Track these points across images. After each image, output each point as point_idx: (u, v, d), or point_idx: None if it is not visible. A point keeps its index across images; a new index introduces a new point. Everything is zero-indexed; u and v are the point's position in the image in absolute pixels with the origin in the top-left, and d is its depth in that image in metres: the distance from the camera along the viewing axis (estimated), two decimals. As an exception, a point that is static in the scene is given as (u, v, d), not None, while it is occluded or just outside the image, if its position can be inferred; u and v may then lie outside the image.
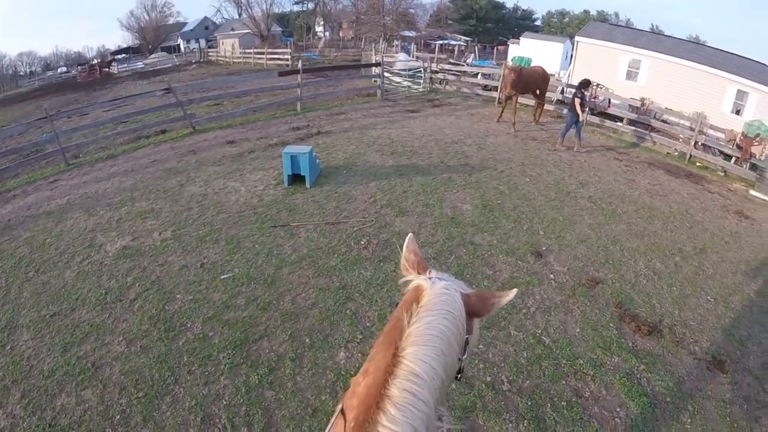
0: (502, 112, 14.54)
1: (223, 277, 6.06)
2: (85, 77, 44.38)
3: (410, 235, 1.98)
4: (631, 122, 15.02)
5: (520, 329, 5.31)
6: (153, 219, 7.79)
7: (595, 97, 15.63)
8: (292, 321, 5.26)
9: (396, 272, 5.98)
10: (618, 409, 4.44)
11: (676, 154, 13.58)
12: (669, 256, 7.35)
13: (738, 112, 17.55)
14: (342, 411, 1.51)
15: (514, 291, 1.80)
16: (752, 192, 11.43)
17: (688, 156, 13.26)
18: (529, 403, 4.38)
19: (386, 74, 18.99)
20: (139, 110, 14.71)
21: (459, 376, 1.77)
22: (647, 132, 14.37)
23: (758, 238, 8.72)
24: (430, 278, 1.70)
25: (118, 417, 4.16)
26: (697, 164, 13.10)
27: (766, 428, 4.42)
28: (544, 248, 7.04)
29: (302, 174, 8.68)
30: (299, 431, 3.98)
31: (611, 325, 5.55)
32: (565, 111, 13.63)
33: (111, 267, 6.48)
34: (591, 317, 5.64)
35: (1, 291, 6.12)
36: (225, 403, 4.28)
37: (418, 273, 1.77)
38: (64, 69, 66.65)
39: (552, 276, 6.37)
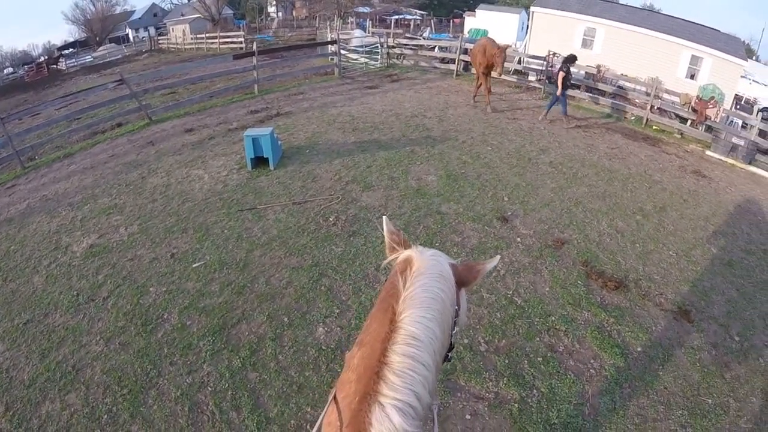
0: (478, 89, 13.66)
1: (194, 265, 6.04)
2: (33, 76, 42.95)
3: (384, 217, 2.01)
4: (588, 89, 15.31)
5: (492, 292, 5.48)
6: (117, 214, 7.65)
7: (552, 66, 15.82)
8: (269, 302, 5.30)
9: (365, 246, 6.11)
10: (592, 361, 4.65)
11: (633, 118, 13.92)
12: (630, 215, 7.60)
13: (693, 77, 18.02)
14: (335, 398, 1.52)
15: (497, 258, 1.88)
16: (708, 152, 11.86)
17: (644, 120, 13.60)
18: (507, 361, 4.55)
19: (343, 52, 18.81)
20: (92, 105, 14.21)
21: (449, 354, 1.80)
22: (601, 97, 14.71)
23: (715, 195, 9.07)
24: (417, 249, 1.74)
25: (105, 417, 4.14)
26: (654, 128, 13.45)
27: (736, 372, 4.69)
28: (509, 213, 7.20)
29: (265, 156, 8.62)
30: (287, 408, 4.06)
31: (579, 282, 5.76)
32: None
33: (80, 267, 6.35)
34: (559, 276, 5.83)
35: None
36: (210, 389, 4.31)
37: (404, 248, 1.80)
38: (11, 70, 63.74)
39: (519, 239, 6.54)
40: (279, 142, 9.25)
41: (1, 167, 11.46)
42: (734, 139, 11.71)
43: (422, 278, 1.56)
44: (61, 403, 4.34)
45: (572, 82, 15.65)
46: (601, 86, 15.25)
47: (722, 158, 11.64)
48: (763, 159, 11.72)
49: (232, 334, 4.91)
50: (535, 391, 4.26)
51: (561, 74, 11.84)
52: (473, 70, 14.24)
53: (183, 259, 6.19)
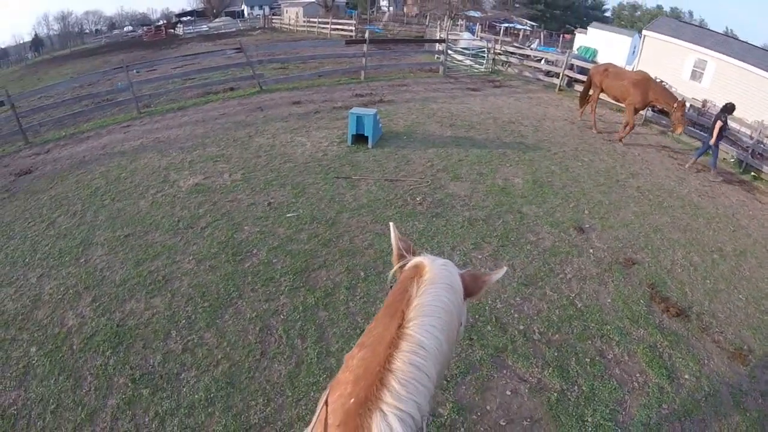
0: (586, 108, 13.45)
1: (288, 215, 6.71)
2: (151, 37, 46.01)
3: (391, 223, 2.00)
4: (692, 123, 14.78)
5: (555, 291, 5.73)
6: (224, 163, 8.47)
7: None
8: (349, 257, 5.86)
9: (446, 227, 6.52)
10: (638, 375, 4.78)
11: (732, 160, 13.34)
12: (708, 252, 7.46)
13: None
14: (326, 402, 1.49)
15: (504, 269, 1.88)
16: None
17: (744, 164, 12.97)
18: (556, 354, 4.80)
19: (449, 52, 19.18)
20: (206, 68, 15.51)
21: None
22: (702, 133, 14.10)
23: None
24: (427, 257, 1.73)
25: (183, 321, 4.84)
26: (752, 174, 12.80)
27: None
28: (587, 225, 7.35)
29: (365, 134, 9.25)
30: (347, 347, 4.53)
31: (641, 301, 5.86)
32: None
33: (184, 199, 7.20)
34: (623, 291, 5.96)
35: (77, 215, 6.95)
36: (283, 317, 4.90)
37: (413, 255, 1.79)
38: (130, 28, 68.60)
39: (591, 251, 6.71)
40: (380, 125, 9.83)
41: (118, 109, 12.82)
42: None
43: (434, 287, 1.56)
44: (146, 303, 5.08)
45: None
46: (703, 122, 14.59)
47: None
48: None
49: (312, 277, 5.50)
50: (576, 387, 4.49)
51: (719, 124, 10.99)
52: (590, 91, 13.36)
53: (278, 209, 6.88)
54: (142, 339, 4.63)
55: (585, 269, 6.27)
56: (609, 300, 5.77)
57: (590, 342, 5.07)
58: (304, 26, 40.14)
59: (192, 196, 7.27)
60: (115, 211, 6.97)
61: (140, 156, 8.98)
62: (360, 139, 9.39)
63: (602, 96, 13.10)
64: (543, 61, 19.74)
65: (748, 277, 7.06)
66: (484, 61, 20.10)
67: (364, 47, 16.00)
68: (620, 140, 11.78)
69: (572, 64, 17.81)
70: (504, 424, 4.03)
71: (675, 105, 10.97)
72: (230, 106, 12.58)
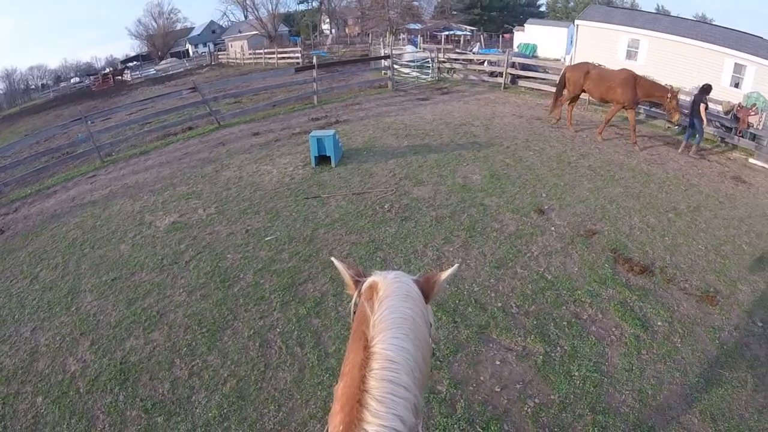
0: (561, 110, 13.46)
1: (267, 238, 7.05)
2: (99, 86, 45.55)
3: (333, 258, 2.08)
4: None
5: (525, 268, 6.21)
6: (196, 199, 8.75)
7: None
8: (331, 268, 6.19)
9: (416, 228, 6.98)
10: (614, 329, 5.25)
11: (676, 128, 14.09)
12: (663, 213, 8.02)
13: (737, 85, 18.00)
14: None
15: (455, 266, 1.93)
16: (751, 160, 11.76)
17: (686, 128, 13.63)
18: (535, 323, 5.26)
19: (395, 66, 19.78)
20: (161, 111, 15.67)
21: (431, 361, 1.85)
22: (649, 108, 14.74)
23: (754, 199, 9.23)
24: (379, 275, 1.74)
25: (185, 350, 5.10)
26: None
27: (756, 353, 5.06)
28: (546, 207, 7.88)
29: (327, 154, 9.68)
30: (344, 347, 4.85)
31: (606, 265, 6.37)
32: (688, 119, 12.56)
33: (163, 238, 7.44)
34: (588, 259, 6.47)
35: (59, 267, 7.07)
36: (279, 330, 5.24)
37: (365, 277, 1.80)
38: (77, 79, 67.76)
39: (553, 228, 7.23)
40: (340, 144, 10.27)
41: (82, 161, 12.87)
42: None
43: (388, 300, 1.58)
44: (145, 339, 5.30)
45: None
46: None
47: (766, 166, 11.53)
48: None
49: (300, 291, 5.86)
50: (558, 348, 4.94)
51: (702, 106, 11.44)
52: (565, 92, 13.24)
53: (256, 234, 7.22)
54: (147, 371, 4.85)
55: (550, 245, 6.76)
56: (576, 269, 6.26)
57: (564, 307, 5.53)
58: (250, 58, 40.54)
59: (171, 234, 7.52)
60: (97, 258, 7.13)
61: (112, 203, 9.15)
62: (323, 159, 9.80)
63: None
64: (486, 63, 20.54)
65: (704, 228, 7.63)
66: (430, 71, 20.80)
67: (314, 72, 16.47)
68: (635, 143, 11.78)
69: (513, 62, 18.63)
70: (499, 390, 4.43)
71: (669, 95, 11.28)
72: (192, 144, 12.82)
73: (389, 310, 1.54)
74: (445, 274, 1.82)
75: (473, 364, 4.69)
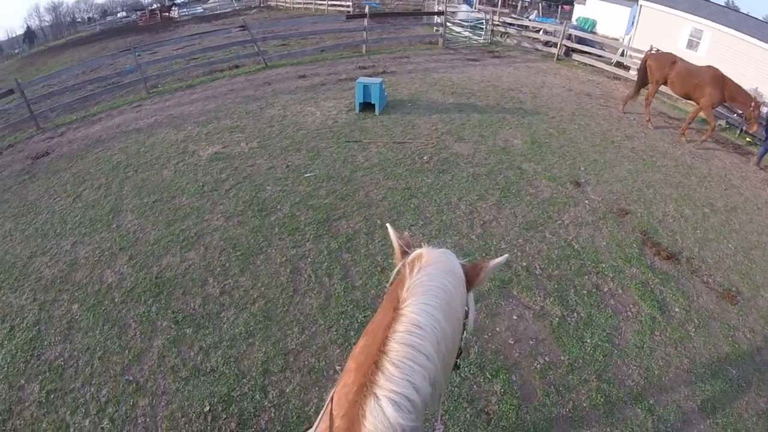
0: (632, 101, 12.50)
1: (306, 175, 7.25)
2: (146, 21, 45.67)
3: (388, 224, 2.08)
4: None
5: (554, 234, 6.28)
6: (239, 133, 8.94)
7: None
8: (366, 208, 6.43)
9: (452, 181, 7.06)
10: (631, 306, 5.32)
11: (727, 126, 13.69)
12: (699, 207, 7.88)
13: None
14: (331, 396, 1.46)
15: (505, 256, 1.90)
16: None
17: (739, 130, 13.13)
18: (556, 286, 5.36)
19: (448, 24, 19.41)
20: (209, 47, 15.80)
21: (458, 361, 1.81)
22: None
23: None
24: (427, 248, 1.73)
25: (218, 269, 5.37)
26: (747, 139, 12.95)
27: (765, 358, 5.05)
28: (582, 180, 7.85)
29: (372, 102, 9.75)
30: (370, 282, 5.16)
31: (634, 245, 6.37)
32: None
33: (205, 167, 7.68)
34: (617, 236, 6.48)
35: (102, 187, 7.38)
36: (310, 260, 5.47)
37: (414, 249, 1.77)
38: (124, 14, 68.06)
39: (587, 201, 7.22)
40: (385, 93, 10.30)
41: (128, 91, 13.14)
42: None
43: (429, 268, 1.55)
44: (181, 257, 5.59)
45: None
46: None
47: None
48: None
49: (333, 226, 6.08)
50: (575, 313, 5.04)
51: None
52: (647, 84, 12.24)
53: (296, 170, 7.42)
54: (181, 287, 5.14)
55: (581, 217, 6.78)
56: (603, 243, 6.29)
57: (587, 277, 5.60)
58: (300, 3, 39.95)
59: (213, 164, 7.75)
60: (139, 181, 7.42)
61: (156, 131, 9.40)
62: (367, 107, 9.87)
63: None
64: (541, 32, 20.01)
65: (738, 229, 7.45)
66: (483, 33, 20.34)
67: (365, 21, 16.30)
68: (703, 141, 11.16)
69: (570, 34, 18.13)
70: (512, 342, 4.60)
71: (753, 104, 10.61)
72: (238, 82, 12.96)
73: (428, 276, 1.51)
74: (493, 263, 1.79)
75: (491, 315, 4.84)
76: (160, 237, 5.97)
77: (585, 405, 4.13)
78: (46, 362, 4.33)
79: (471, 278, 1.74)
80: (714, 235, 7.13)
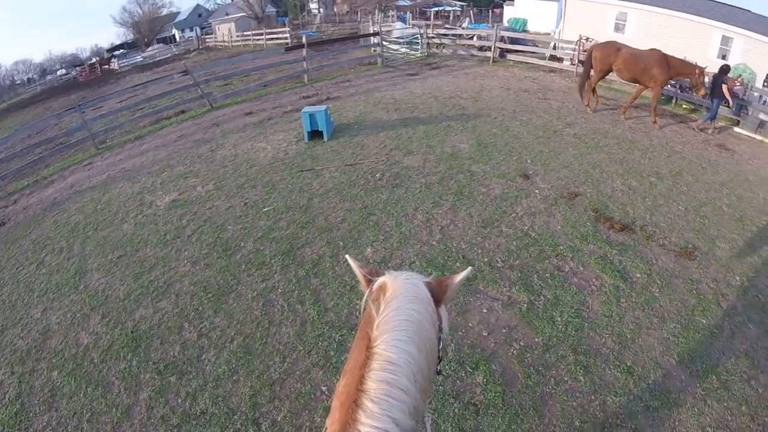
0: (592, 94, 12.67)
1: (265, 209, 7.38)
2: (86, 76, 44.97)
3: (347, 256, 2.10)
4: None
5: (510, 227, 6.57)
6: (194, 177, 9.02)
7: (584, 51, 16.39)
8: (327, 232, 6.61)
9: (406, 194, 7.31)
10: (594, 280, 5.61)
11: (662, 97, 14.20)
12: (645, 177, 8.31)
13: (724, 57, 18.08)
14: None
15: (468, 269, 1.94)
16: (736, 129, 11.89)
17: (674, 99, 13.88)
18: (519, 275, 5.62)
19: (385, 43, 19.89)
20: (153, 96, 15.78)
21: (439, 367, 1.84)
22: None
23: (736, 165, 9.44)
24: (391, 275, 1.74)
25: (192, 314, 5.43)
26: (684, 106, 13.67)
27: (733, 304, 5.40)
28: (531, 172, 8.21)
29: (320, 129, 9.97)
30: (341, 301, 5.33)
31: (588, 224, 6.71)
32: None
33: (164, 216, 7.73)
34: (570, 219, 6.81)
35: (64, 250, 7.32)
36: (280, 290, 5.60)
37: (378, 276, 1.79)
38: (64, 71, 67.03)
39: (537, 191, 7.57)
40: (331, 119, 10.55)
41: (77, 149, 13.03)
42: (761, 116, 11.75)
43: (395, 302, 1.57)
44: (154, 308, 5.61)
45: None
46: None
47: (750, 134, 11.65)
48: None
49: (298, 255, 6.21)
50: (542, 297, 5.30)
51: (725, 86, 11.28)
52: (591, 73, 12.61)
53: (254, 206, 7.54)
54: (158, 337, 5.16)
55: (534, 206, 7.11)
56: (558, 227, 6.61)
57: (547, 261, 5.90)
58: (238, 41, 40.24)
59: (171, 211, 7.80)
60: (101, 239, 7.39)
61: (111, 187, 9.38)
62: (315, 134, 10.10)
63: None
64: (475, 38, 20.64)
65: (685, 191, 7.92)
66: (419, 47, 20.91)
67: (303, 52, 16.60)
68: (654, 122, 11.63)
69: (502, 36, 18.80)
70: (486, 334, 4.82)
71: (698, 71, 11.23)
72: (186, 127, 13.03)
73: (395, 312, 1.54)
74: (458, 278, 1.82)
75: (462, 312, 5.05)
76: (129, 291, 5.98)
77: (566, 379, 4.35)
78: None
79: (438, 296, 1.76)
80: (663, 200, 7.53)
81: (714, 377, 4.41)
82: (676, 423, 3.99)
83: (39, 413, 4.49)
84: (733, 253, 6.35)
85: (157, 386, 4.55)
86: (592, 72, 12.48)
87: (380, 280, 1.71)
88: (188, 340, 5.06)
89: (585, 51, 13.78)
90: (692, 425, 3.97)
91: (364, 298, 1.77)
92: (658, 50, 11.72)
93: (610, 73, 12.50)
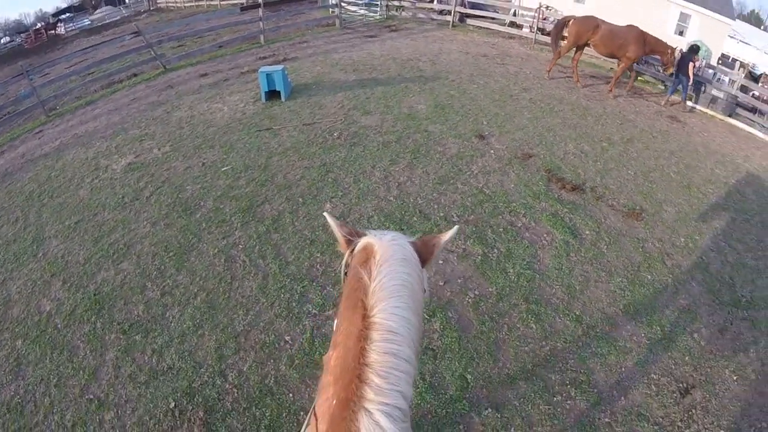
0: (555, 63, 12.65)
1: (223, 169, 7.38)
2: (32, 42, 42.79)
3: (326, 213, 1.93)
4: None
5: (465, 184, 6.80)
6: (149, 140, 8.87)
7: (544, 18, 16.53)
8: (286, 190, 6.70)
9: (364, 152, 7.42)
10: (545, 235, 5.92)
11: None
12: (597, 142, 8.65)
13: (681, 34, 18.58)
14: (314, 409, 1.44)
15: (455, 228, 1.83)
16: (689, 103, 12.20)
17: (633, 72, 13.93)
18: (474, 229, 5.88)
19: (343, 4, 19.58)
20: (104, 59, 15.12)
21: None
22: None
23: (686, 136, 9.86)
24: (375, 235, 1.64)
25: (155, 273, 5.48)
26: (639, 78, 13.78)
27: (677, 262, 5.78)
28: (486, 133, 8.43)
29: (278, 89, 9.90)
30: (302, 255, 5.49)
31: (540, 183, 7.00)
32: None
33: (121, 179, 7.61)
34: (523, 178, 7.08)
35: (19, 220, 7.13)
36: (242, 246, 5.70)
37: (359, 237, 1.70)
38: (7, 39, 63.47)
39: (492, 151, 7.79)
40: (289, 79, 10.45)
41: (26, 118, 12.53)
42: (714, 92, 12.21)
43: (386, 266, 1.48)
44: (115, 270, 5.62)
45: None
46: None
47: (702, 109, 12.13)
48: (745, 114, 12.13)
49: (258, 212, 6.31)
50: (495, 250, 5.57)
51: (692, 65, 11.50)
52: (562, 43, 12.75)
53: (212, 166, 7.52)
54: (121, 298, 5.19)
55: (488, 166, 7.34)
56: (512, 185, 6.87)
57: (501, 217, 6.16)
58: (191, 1, 38.85)
59: (128, 175, 7.69)
60: (56, 206, 7.24)
61: (64, 154, 9.11)
62: (273, 95, 10.03)
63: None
64: (435, 2, 20.53)
65: (635, 157, 8.28)
66: (378, 9, 20.69)
67: (260, 11, 16.19)
68: (611, 92, 11.87)
69: (463, 2, 18.76)
70: (442, 284, 5.08)
71: (670, 50, 11.59)
72: (139, 90, 12.67)
73: (388, 276, 1.45)
74: (445, 237, 1.75)
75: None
76: (89, 255, 5.94)
77: (519, 326, 4.65)
78: (3, 404, 4.29)
79: (425, 257, 1.69)
80: (614, 164, 7.87)
81: (658, 328, 4.78)
82: (623, 369, 4.33)
83: (5, 383, 4.48)
84: (679, 216, 6.72)
85: (122, 346, 4.61)
86: (562, 43, 12.64)
87: (363, 241, 1.63)
88: (151, 299, 5.12)
89: (559, 21, 13.35)
90: (638, 372, 4.33)
91: (344, 260, 1.72)
92: (636, 27, 11.90)
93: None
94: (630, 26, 12.03)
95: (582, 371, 4.25)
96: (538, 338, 4.53)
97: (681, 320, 4.92)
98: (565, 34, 12.74)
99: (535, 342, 4.49)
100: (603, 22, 12.22)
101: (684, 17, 18.57)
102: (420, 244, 1.70)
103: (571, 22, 12.43)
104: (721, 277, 5.67)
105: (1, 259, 6.30)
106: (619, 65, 12.06)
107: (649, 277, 5.46)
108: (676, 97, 12.17)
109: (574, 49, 12.42)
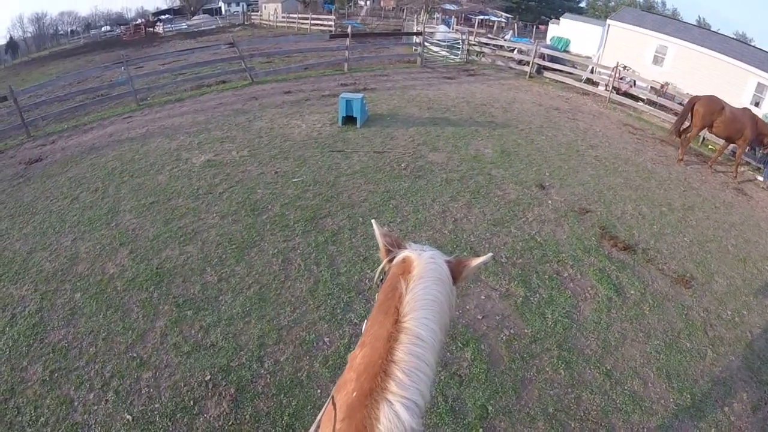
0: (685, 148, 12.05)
1: (294, 180, 7.90)
2: (130, 35, 45.82)
3: (373, 221, 2.06)
4: (652, 103, 15.68)
5: (519, 229, 7.00)
6: (229, 143, 9.55)
7: (621, 78, 16.59)
8: (349, 208, 7.11)
9: (427, 185, 7.77)
10: (589, 289, 5.98)
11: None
12: (657, 206, 8.57)
13: (757, 105, 18.13)
14: (332, 398, 1.55)
15: (488, 255, 1.93)
16: (759, 177, 11.74)
17: (702, 138, 13.72)
18: (520, 272, 6.04)
19: (426, 44, 20.29)
20: (197, 63, 16.39)
21: None
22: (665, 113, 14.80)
23: (750, 210, 9.52)
24: (415, 250, 1.76)
25: (215, 260, 5.93)
26: (710, 147, 13.59)
27: (719, 335, 5.65)
28: (547, 184, 8.60)
29: (354, 115, 10.50)
30: (353, 269, 5.82)
31: (593, 238, 7.07)
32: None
33: (199, 173, 8.24)
34: (577, 231, 7.19)
35: (99, 190, 7.83)
36: (299, 252, 6.10)
37: (399, 249, 1.81)
38: (108, 28, 67.89)
39: (550, 202, 7.96)
40: (366, 108, 11.05)
41: (117, 102, 13.66)
42: None
43: (423, 282, 1.60)
44: (180, 251, 6.11)
45: (634, 93, 16.06)
46: (662, 102, 15.39)
47: None
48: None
49: (320, 223, 6.72)
50: (537, 294, 5.71)
51: None
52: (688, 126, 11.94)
53: (284, 176, 8.06)
54: (180, 276, 5.65)
55: (544, 215, 7.50)
56: (564, 236, 7.00)
57: (548, 265, 6.29)
58: (283, 22, 40.64)
59: (206, 170, 8.32)
60: (135, 185, 7.90)
61: (149, 140, 9.92)
62: (349, 120, 10.61)
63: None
64: (516, 51, 20.94)
65: (694, 225, 8.16)
66: (459, 52, 21.30)
67: (347, 41, 17.09)
68: (735, 177, 11.45)
69: (542, 53, 19.10)
70: (480, 318, 5.26)
71: None
72: (226, 96, 13.58)
73: (423, 291, 1.57)
74: (476, 262, 1.82)
75: (462, 295, 5.47)
76: (158, 233, 6.47)
77: (548, 369, 4.74)
78: (50, 345, 4.67)
79: (455, 275, 1.77)
80: (670, 230, 7.79)
81: (689, 396, 4.72)
82: (645, 430, 4.31)
83: (57, 327, 4.91)
84: (729, 289, 6.56)
85: (174, 317, 5.02)
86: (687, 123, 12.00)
87: (403, 254, 1.75)
88: (209, 282, 5.55)
89: (690, 100, 12.34)
90: (661, 436, 4.31)
91: (381, 266, 1.84)
92: (749, 110, 11.70)
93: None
94: (744, 109, 11.78)
95: (603, 424, 4.30)
96: (565, 384, 4.61)
97: (714, 392, 4.86)
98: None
99: (561, 388, 4.57)
100: (725, 104, 11.70)
101: (761, 88, 18.18)
102: (455, 263, 1.79)
103: (696, 101, 11.79)
104: (763, 355, 5.52)
105: (75, 221, 6.93)
106: (722, 145, 11.88)
107: (688, 344, 5.38)
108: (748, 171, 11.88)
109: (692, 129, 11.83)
